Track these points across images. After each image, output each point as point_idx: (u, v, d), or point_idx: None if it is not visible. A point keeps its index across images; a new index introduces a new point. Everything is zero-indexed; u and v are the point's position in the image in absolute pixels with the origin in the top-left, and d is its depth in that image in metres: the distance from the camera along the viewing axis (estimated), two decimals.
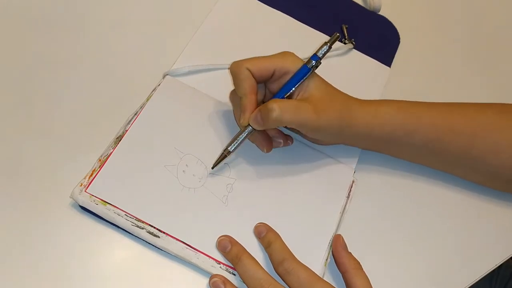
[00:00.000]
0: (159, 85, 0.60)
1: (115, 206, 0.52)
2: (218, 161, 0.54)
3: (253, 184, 0.56)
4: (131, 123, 0.56)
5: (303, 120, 0.52)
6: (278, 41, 0.68)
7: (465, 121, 0.56)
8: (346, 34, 0.69)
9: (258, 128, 0.53)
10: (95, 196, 0.51)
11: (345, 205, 0.58)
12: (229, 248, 0.51)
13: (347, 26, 0.70)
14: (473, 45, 0.75)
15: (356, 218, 0.58)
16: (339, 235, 0.55)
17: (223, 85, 0.60)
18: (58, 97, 0.58)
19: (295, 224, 0.55)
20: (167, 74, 0.61)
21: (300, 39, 0.68)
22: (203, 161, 0.56)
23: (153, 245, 0.52)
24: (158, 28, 0.65)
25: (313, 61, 0.52)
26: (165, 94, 0.59)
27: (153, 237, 0.51)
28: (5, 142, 0.54)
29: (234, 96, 0.55)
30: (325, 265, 0.54)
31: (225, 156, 0.54)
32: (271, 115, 0.50)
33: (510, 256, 0.60)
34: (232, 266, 0.51)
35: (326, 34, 0.69)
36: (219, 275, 0.51)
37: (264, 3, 0.70)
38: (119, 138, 0.55)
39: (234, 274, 0.51)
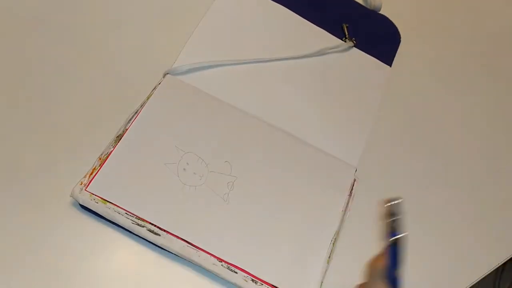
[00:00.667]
0: (159, 83, 0.59)
1: (115, 205, 0.51)
2: None
3: (254, 182, 0.56)
4: (131, 122, 0.56)
5: None
6: (279, 36, 0.68)
7: None
8: (346, 33, 0.69)
9: None
10: (95, 195, 0.51)
11: (347, 203, 0.58)
12: None
13: (347, 25, 0.70)
14: (474, 44, 0.75)
15: (358, 216, 0.58)
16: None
17: (224, 82, 0.60)
18: (58, 96, 0.58)
19: (296, 222, 0.55)
20: (167, 73, 0.60)
21: (301, 34, 0.68)
22: (204, 159, 0.56)
23: (154, 244, 0.51)
24: (158, 27, 0.65)
25: None
26: (165, 93, 0.59)
27: (154, 235, 0.51)
28: (5, 141, 0.54)
29: None
30: (327, 262, 0.54)
31: None
32: None
33: (510, 256, 0.60)
34: (233, 263, 0.51)
35: (328, 31, 0.69)
36: None
37: None
38: (119, 137, 0.55)
39: (236, 272, 0.51)
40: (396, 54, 0.70)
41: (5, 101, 0.56)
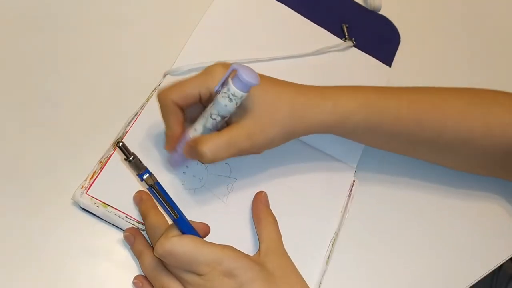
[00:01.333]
0: (159, 84, 0.60)
1: (116, 209, 0.52)
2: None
3: (253, 183, 0.56)
4: (131, 124, 0.56)
5: (238, 152, 0.50)
6: (279, 35, 0.68)
7: (434, 110, 0.55)
8: (346, 34, 0.69)
9: None
10: (96, 198, 0.51)
11: (346, 205, 0.58)
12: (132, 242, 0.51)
13: (347, 25, 0.70)
14: (474, 44, 0.75)
15: (357, 217, 0.58)
16: (263, 191, 0.55)
17: None
18: (57, 98, 0.58)
19: (296, 223, 0.55)
20: (167, 74, 0.60)
21: (301, 33, 0.68)
22: None
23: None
24: (157, 27, 0.64)
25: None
26: None
27: None
28: (5, 142, 0.54)
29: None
30: (326, 263, 0.54)
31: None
32: (202, 159, 0.49)
33: (510, 256, 0.60)
34: None
35: (328, 31, 0.69)
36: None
37: None
38: (119, 140, 0.55)
39: None
40: (396, 54, 0.70)
41: (5, 102, 0.56)
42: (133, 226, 0.51)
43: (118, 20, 0.64)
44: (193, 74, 0.60)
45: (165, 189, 0.53)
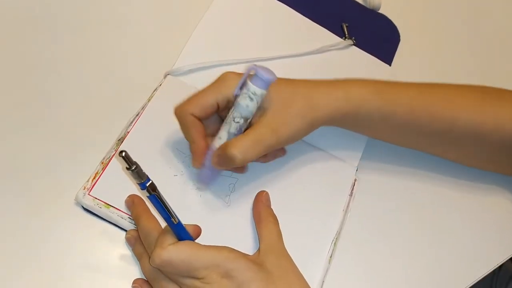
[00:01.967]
0: (160, 85, 0.59)
1: (118, 209, 0.52)
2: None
3: (255, 183, 0.56)
4: (132, 124, 0.56)
5: (266, 149, 0.51)
6: (279, 34, 0.68)
7: (444, 103, 0.55)
8: (346, 33, 0.69)
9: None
10: (98, 199, 0.51)
11: (348, 204, 0.58)
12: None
13: (347, 24, 0.70)
14: (473, 43, 0.75)
15: (358, 216, 0.58)
16: (264, 191, 0.55)
17: None
18: (58, 98, 0.57)
19: (298, 222, 0.55)
20: (168, 74, 0.60)
21: (301, 32, 0.68)
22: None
23: None
24: (158, 27, 0.64)
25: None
26: (166, 94, 0.59)
27: None
28: (6, 142, 0.54)
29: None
30: (329, 261, 0.54)
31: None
32: (234, 162, 0.49)
33: (510, 256, 0.60)
34: None
35: (328, 30, 0.69)
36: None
37: None
38: (121, 140, 0.55)
39: None
40: (396, 53, 0.70)
41: (5, 102, 0.56)
42: (135, 227, 0.51)
43: (119, 20, 0.64)
44: (194, 73, 0.61)
45: (167, 189, 0.53)
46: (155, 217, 0.50)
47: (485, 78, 0.71)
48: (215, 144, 0.51)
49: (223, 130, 0.51)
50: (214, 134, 0.52)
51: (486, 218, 0.62)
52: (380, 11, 0.73)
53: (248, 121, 0.51)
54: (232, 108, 0.50)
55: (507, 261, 0.60)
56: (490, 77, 0.71)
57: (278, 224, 0.53)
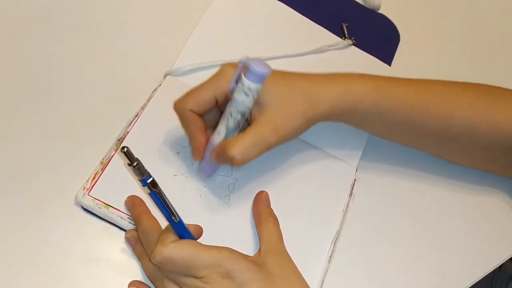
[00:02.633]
0: (160, 85, 0.59)
1: (118, 209, 0.52)
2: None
3: (255, 183, 0.56)
4: (132, 124, 0.56)
5: (266, 148, 0.50)
6: (278, 34, 0.68)
7: (442, 101, 0.55)
8: (346, 33, 0.69)
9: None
10: (98, 200, 0.51)
11: (348, 204, 0.58)
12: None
13: (347, 24, 0.70)
14: (473, 43, 0.75)
15: (358, 216, 0.58)
16: (264, 191, 0.55)
17: None
18: (58, 98, 0.57)
19: (298, 222, 0.55)
20: (168, 74, 0.60)
21: (301, 32, 0.68)
22: None
23: None
24: (158, 27, 0.64)
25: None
26: (166, 95, 0.58)
27: None
28: (6, 143, 0.54)
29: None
30: (328, 261, 0.54)
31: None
32: (233, 163, 0.49)
33: (510, 256, 0.60)
34: None
35: (328, 30, 0.69)
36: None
37: None
38: (120, 140, 0.55)
39: None
40: (396, 53, 0.70)
41: (5, 103, 0.56)
42: (135, 227, 0.51)
43: (118, 20, 0.64)
44: (194, 74, 0.61)
45: (167, 190, 0.53)
46: (155, 218, 0.50)
47: (485, 78, 0.71)
48: (214, 139, 0.51)
49: (221, 125, 0.51)
50: (214, 126, 0.52)
51: (486, 218, 0.62)
52: (380, 11, 0.73)
53: (246, 115, 0.50)
54: (229, 103, 0.50)
55: (507, 261, 0.60)
56: (490, 77, 0.71)
57: (278, 224, 0.53)
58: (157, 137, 0.56)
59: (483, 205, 0.62)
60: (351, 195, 0.58)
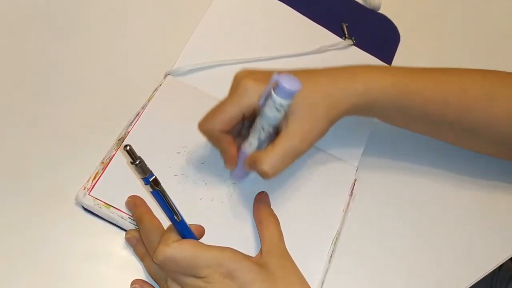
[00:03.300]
0: (160, 85, 0.59)
1: (119, 209, 0.52)
2: None
3: (256, 183, 0.56)
4: (132, 124, 0.56)
5: (295, 158, 0.51)
6: (279, 34, 0.68)
7: (459, 93, 0.55)
8: (346, 33, 0.69)
9: None
10: (99, 199, 0.51)
11: (348, 204, 0.58)
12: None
13: (347, 24, 0.70)
14: (473, 43, 0.75)
15: (358, 216, 0.58)
16: (264, 192, 0.56)
17: (225, 82, 0.60)
18: (58, 98, 0.57)
19: (298, 222, 0.55)
20: (168, 74, 0.60)
21: (301, 32, 0.68)
22: (206, 161, 0.56)
23: None
24: (158, 27, 0.64)
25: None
26: (166, 95, 0.59)
27: None
28: (7, 143, 0.54)
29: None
30: (329, 262, 0.54)
31: None
32: (266, 176, 0.50)
33: (510, 256, 0.60)
34: None
35: (328, 30, 0.69)
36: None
37: None
38: (121, 140, 0.55)
39: None
40: (396, 53, 0.70)
41: (5, 103, 0.56)
42: (135, 227, 0.51)
43: (118, 20, 0.64)
44: (194, 74, 0.61)
45: (167, 189, 0.53)
46: (157, 218, 0.50)
47: None
48: (246, 149, 0.52)
49: (253, 138, 0.51)
50: (238, 133, 0.54)
51: (486, 218, 0.62)
52: (380, 11, 0.73)
53: (277, 126, 0.51)
54: (260, 117, 0.50)
55: (507, 261, 0.60)
56: None
57: (279, 224, 0.53)
58: (157, 137, 0.56)
59: (483, 205, 0.62)
60: (351, 195, 0.58)
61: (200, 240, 0.48)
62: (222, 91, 0.60)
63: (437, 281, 0.57)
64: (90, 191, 0.52)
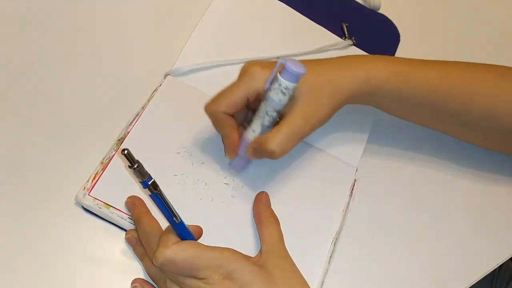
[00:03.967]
0: (160, 85, 0.59)
1: (118, 209, 0.52)
2: None
3: (255, 184, 0.56)
4: (132, 124, 0.56)
5: (301, 139, 0.52)
6: (279, 34, 0.68)
7: (462, 86, 0.56)
8: (346, 33, 0.69)
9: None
10: (98, 200, 0.51)
11: (348, 204, 0.58)
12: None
13: (347, 24, 0.70)
14: (473, 43, 0.75)
15: (358, 216, 0.58)
16: (264, 192, 0.56)
17: (225, 82, 0.60)
18: (58, 98, 0.57)
19: (298, 222, 0.55)
20: (168, 74, 0.60)
21: (301, 31, 0.68)
22: (206, 161, 0.56)
23: None
24: (158, 27, 0.64)
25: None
26: (166, 95, 0.59)
27: None
28: (6, 143, 0.54)
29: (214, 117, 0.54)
30: (328, 262, 0.54)
31: None
32: (272, 156, 0.50)
33: (510, 256, 0.60)
34: None
35: (328, 29, 0.69)
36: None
37: None
38: (120, 140, 0.55)
39: None
40: (396, 54, 0.70)
41: (5, 102, 0.56)
42: (135, 227, 0.51)
43: (118, 20, 0.64)
44: (194, 74, 0.61)
45: (167, 189, 0.53)
46: (155, 219, 0.50)
47: None
48: (248, 136, 0.52)
49: (256, 124, 0.52)
50: (241, 122, 0.54)
51: (486, 218, 0.62)
52: (380, 11, 0.73)
53: (281, 112, 0.51)
54: (264, 102, 0.51)
55: (507, 261, 0.60)
56: None
57: (279, 224, 0.53)
58: (157, 137, 0.56)
59: (483, 206, 0.62)
60: (351, 195, 0.58)
61: (199, 241, 0.48)
62: None
63: (437, 281, 0.57)
64: (90, 191, 0.52)
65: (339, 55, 0.67)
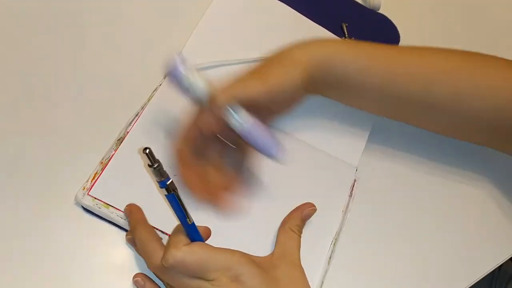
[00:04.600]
0: (160, 85, 0.59)
1: (118, 209, 0.52)
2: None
3: (255, 184, 0.56)
4: (132, 124, 0.56)
5: (254, 93, 0.51)
6: (279, 34, 0.67)
7: (422, 64, 0.54)
8: (346, 33, 0.69)
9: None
10: (98, 199, 0.51)
11: (348, 204, 0.58)
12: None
13: (347, 24, 0.70)
14: (473, 43, 0.74)
15: (358, 216, 0.58)
16: (311, 204, 0.55)
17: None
18: (58, 98, 0.58)
19: None
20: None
21: (301, 31, 0.68)
22: None
23: None
24: (158, 27, 0.64)
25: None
26: (166, 94, 0.59)
27: None
28: (6, 143, 0.54)
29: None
30: (328, 262, 0.54)
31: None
32: (225, 102, 0.50)
33: (510, 256, 0.60)
34: None
35: (328, 30, 0.69)
36: (140, 274, 0.51)
37: None
38: (120, 140, 0.55)
39: None
40: None
41: (5, 102, 0.56)
42: None
43: (118, 20, 0.64)
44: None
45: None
46: (151, 227, 0.50)
47: None
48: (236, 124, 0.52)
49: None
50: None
51: (486, 218, 0.62)
52: (380, 11, 0.73)
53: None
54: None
55: (507, 261, 0.60)
56: None
57: (300, 237, 0.53)
58: (157, 137, 0.56)
59: (483, 206, 0.62)
60: (351, 196, 0.58)
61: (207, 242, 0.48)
62: None
63: (437, 281, 0.57)
64: (90, 191, 0.52)
65: None
